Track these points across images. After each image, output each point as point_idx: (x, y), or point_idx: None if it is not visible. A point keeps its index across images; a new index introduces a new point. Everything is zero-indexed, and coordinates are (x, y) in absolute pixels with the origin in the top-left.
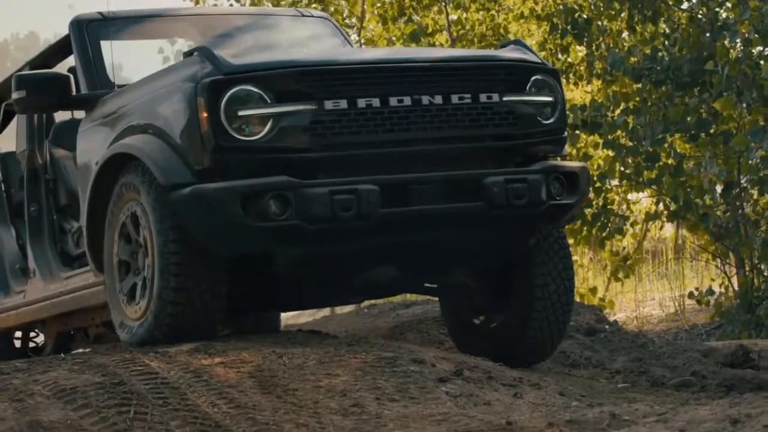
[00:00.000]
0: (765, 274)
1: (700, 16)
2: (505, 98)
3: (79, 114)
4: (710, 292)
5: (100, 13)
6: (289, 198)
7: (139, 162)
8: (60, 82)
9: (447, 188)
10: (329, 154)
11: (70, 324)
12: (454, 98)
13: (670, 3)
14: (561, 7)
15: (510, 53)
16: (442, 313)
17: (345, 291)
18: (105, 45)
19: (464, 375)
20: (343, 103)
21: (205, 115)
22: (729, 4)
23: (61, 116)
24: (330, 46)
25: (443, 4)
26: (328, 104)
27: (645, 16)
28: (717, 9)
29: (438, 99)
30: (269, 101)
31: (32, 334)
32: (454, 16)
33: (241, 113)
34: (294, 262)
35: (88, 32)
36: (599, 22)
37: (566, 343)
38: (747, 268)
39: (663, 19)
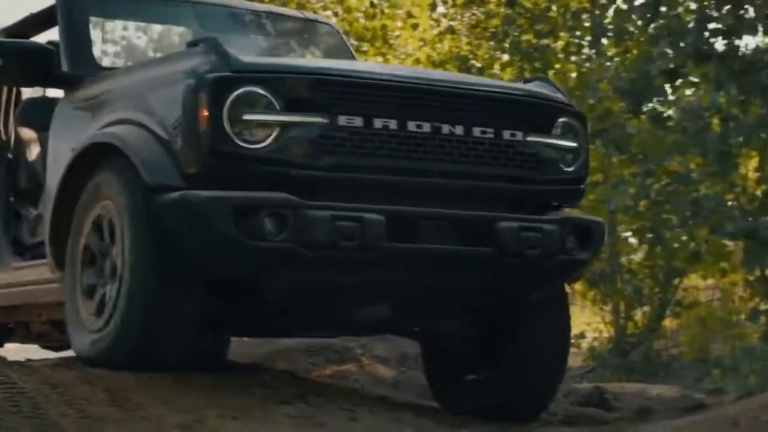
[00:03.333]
0: (637, 321)
1: None
2: (528, 138)
3: (53, 93)
4: (582, 336)
5: None
6: (288, 218)
7: (122, 156)
8: (44, 55)
9: (458, 228)
10: (335, 174)
11: (11, 317)
12: (476, 131)
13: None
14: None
15: (536, 89)
16: (422, 363)
17: (328, 325)
18: (94, 22)
19: (306, 399)
20: (358, 121)
21: (206, 113)
22: None
23: (29, 93)
24: (338, 57)
25: None
26: (342, 119)
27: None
28: None
29: (459, 129)
30: (278, 108)
31: None
32: None
33: (245, 117)
34: (282, 289)
35: (77, 5)
36: None
37: None
38: (621, 315)
39: None
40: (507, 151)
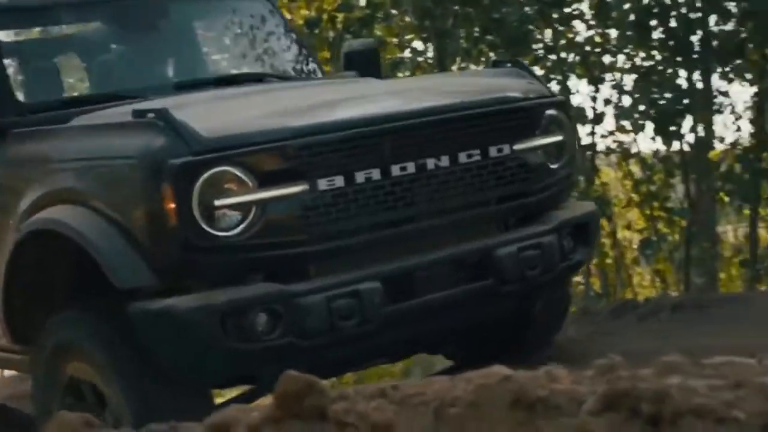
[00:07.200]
0: None
1: None
2: (515, 146)
3: None
4: None
5: None
6: (280, 312)
7: (74, 248)
8: None
9: (455, 269)
10: (324, 246)
11: None
12: (462, 157)
13: None
14: None
15: (513, 82)
16: None
17: (345, 370)
18: (8, 47)
19: None
20: (340, 180)
21: (173, 206)
22: None
23: None
24: (274, 32)
25: None
26: (322, 183)
27: None
28: None
29: (444, 161)
30: (251, 185)
31: None
32: None
33: (218, 202)
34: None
35: None
36: None
37: None
38: None
39: None
40: (496, 170)
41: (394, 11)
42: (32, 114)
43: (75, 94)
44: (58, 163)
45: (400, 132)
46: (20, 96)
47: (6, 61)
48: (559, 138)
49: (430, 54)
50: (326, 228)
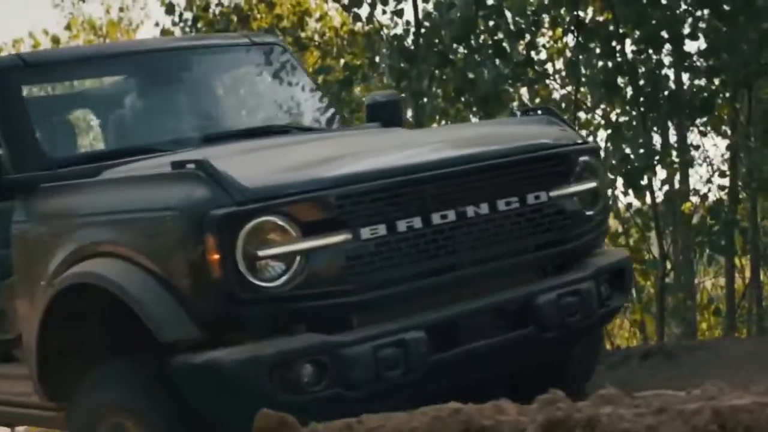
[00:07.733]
0: None
1: None
2: (552, 193)
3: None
4: None
5: (19, 56)
6: (326, 363)
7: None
8: None
9: (496, 316)
10: (368, 295)
11: None
12: (501, 204)
13: None
14: None
15: (546, 129)
16: None
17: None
18: (33, 103)
19: None
20: (382, 229)
21: (217, 257)
22: None
23: None
24: (289, 76)
25: None
26: (365, 232)
27: None
28: None
29: (484, 208)
30: (295, 234)
31: None
32: None
33: (262, 253)
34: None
35: (9, 85)
36: None
37: None
38: None
39: None
40: (534, 217)
41: (371, 73)
42: (60, 168)
43: (102, 147)
44: (92, 217)
45: (440, 180)
46: (48, 150)
47: (33, 116)
48: (593, 184)
49: (409, 114)
50: (370, 277)
